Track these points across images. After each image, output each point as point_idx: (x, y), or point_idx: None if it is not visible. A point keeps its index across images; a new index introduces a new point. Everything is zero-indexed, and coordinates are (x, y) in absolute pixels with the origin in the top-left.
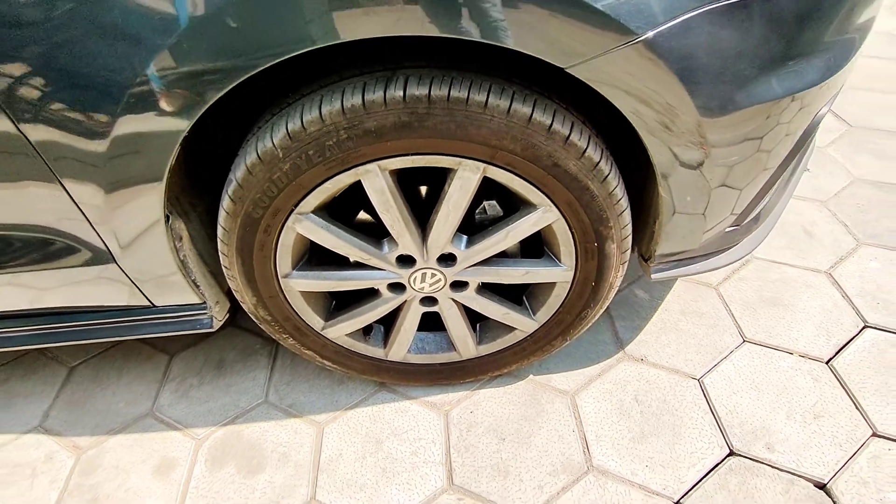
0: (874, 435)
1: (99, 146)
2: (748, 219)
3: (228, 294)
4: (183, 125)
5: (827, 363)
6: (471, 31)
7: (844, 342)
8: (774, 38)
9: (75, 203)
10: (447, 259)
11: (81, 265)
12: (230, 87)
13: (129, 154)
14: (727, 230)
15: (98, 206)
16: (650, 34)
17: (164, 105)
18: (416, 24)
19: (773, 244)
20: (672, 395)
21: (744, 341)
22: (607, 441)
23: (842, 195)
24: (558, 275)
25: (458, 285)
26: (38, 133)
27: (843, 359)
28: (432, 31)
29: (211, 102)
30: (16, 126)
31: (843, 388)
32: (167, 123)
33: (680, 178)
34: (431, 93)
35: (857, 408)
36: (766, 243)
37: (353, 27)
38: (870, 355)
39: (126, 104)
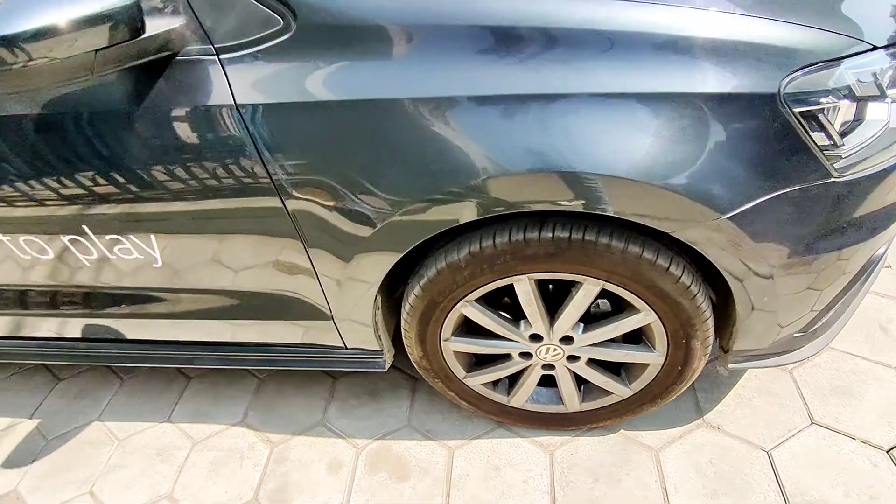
0: None
1: (365, 232)
2: (812, 329)
3: (393, 344)
4: (432, 230)
5: (887, 452)
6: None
7: None
8: (826, 212)
9: (318, 280)
10: (567, 339)
11: (308, 319)
12: (468, 220)
13: (381, 244)
14: (795, 335)
15: (335, 281)
16: (731, 214)
17: (432, 214)
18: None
19: (850, 338)
20: (743, 462)
21: (812, 423)
22: (684, 494)
23: None
24: (652, 359)
25: (573, 358)
26: (297, 207)
27: None
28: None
29: (453, 225)
30: (283, 203)
31: None
32: (423, 227)
33: (752, 304)
34: (571, 235)
35: None
36: (843, 336)
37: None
38: None
39: (408, 209)
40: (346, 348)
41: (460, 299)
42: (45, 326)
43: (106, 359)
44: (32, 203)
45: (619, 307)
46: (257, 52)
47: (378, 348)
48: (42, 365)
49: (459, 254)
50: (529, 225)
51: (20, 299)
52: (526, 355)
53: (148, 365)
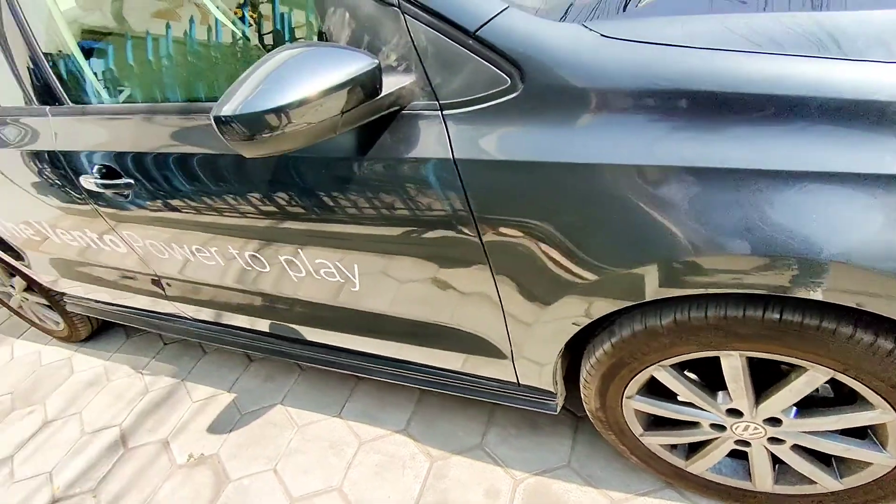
0: None
1: (566, 286)
2: None
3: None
4: (636, 298)
5: None
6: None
7: None
8: None
9: (505, 321)
10: (773, 420)
11: (484, 355)
12: (677, 295)
13: (583, 299)
14: None
15: (524, 324)
16: None
17: (638, 283)
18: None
19: None
20: None
21: None
22: None
23: None
24: (879, 459)
25: (775, 440)
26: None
27: None
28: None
29: (660, 297)
30: (490, 269)
31: None
32: (627, 293)
33: None
34: (804, 321)
35: None
36: None
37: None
38: None
39: (614, 273)
40: (519, 385)
41: (653, 363)
42: (246, 320)
43: (291, 356)
44: (262, 227)
45: (843, 393)
46: (480, 109)
47: (552, 391)
48: None
49: (662, 319)
50: (750, 302)
51: (236, 298)
52: (719, 427)
53: (325, 367)
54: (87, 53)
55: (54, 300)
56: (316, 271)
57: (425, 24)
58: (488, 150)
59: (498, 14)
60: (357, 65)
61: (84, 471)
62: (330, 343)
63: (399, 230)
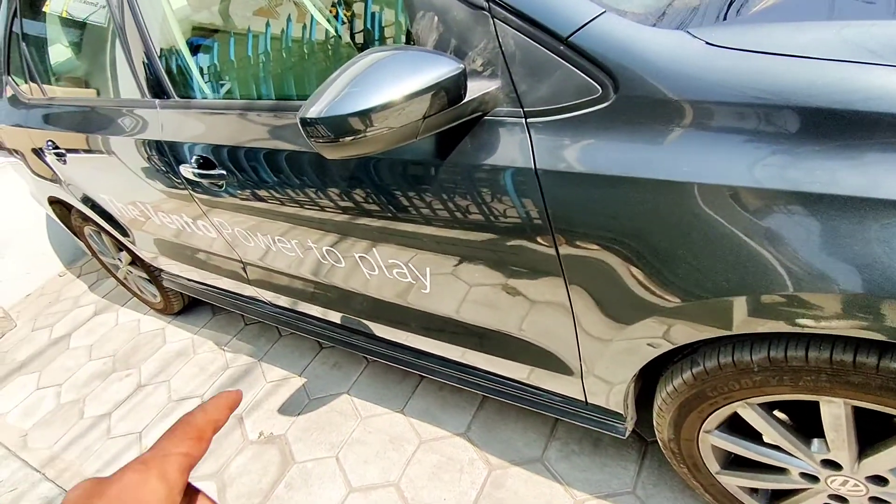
0: None
1: (670, 302)
2: None
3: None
4: (723, 329)
5: None
6: None
7: None
8: None
9: (576, 337)
10: (878, 479)
11: (552, 370)
12: (772, 331)
13: (666, 324)
14: None
15: (598, 341)
16: None
17: (727, 314)
18: None
19: None
20: None
21: None
22: None
23: None
24: None
25: (879, 500)
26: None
27: None
28: None
29: (750, 331)
30: (565, 285)
31: None
32: (714, 322)
33: None
34: None
35: None
36: None
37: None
38: None
39: (702, 303)
40: (586, 404)
41: (739, 400)
42: (318, 310)
43: (359, 348)
44: (339, 223)
45: None
46: (566, 119)
47: (622, 413)
48: None
49: (753, 355)
50: (862, 346)
51: (310, 288)
52: (810, 477)
53: (390, 364)
54: (193, 50)
55: (153, 275)
56: (388, 270)
57: (514, 29)
58: (572, 161)
59: (593, 19)
60: (442, 69)
61: None
62: (397, 340)
63: (473, 236)
